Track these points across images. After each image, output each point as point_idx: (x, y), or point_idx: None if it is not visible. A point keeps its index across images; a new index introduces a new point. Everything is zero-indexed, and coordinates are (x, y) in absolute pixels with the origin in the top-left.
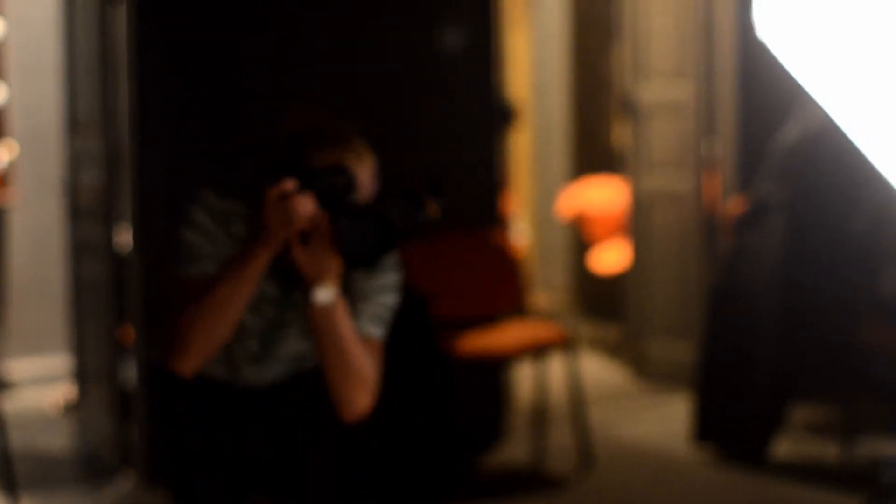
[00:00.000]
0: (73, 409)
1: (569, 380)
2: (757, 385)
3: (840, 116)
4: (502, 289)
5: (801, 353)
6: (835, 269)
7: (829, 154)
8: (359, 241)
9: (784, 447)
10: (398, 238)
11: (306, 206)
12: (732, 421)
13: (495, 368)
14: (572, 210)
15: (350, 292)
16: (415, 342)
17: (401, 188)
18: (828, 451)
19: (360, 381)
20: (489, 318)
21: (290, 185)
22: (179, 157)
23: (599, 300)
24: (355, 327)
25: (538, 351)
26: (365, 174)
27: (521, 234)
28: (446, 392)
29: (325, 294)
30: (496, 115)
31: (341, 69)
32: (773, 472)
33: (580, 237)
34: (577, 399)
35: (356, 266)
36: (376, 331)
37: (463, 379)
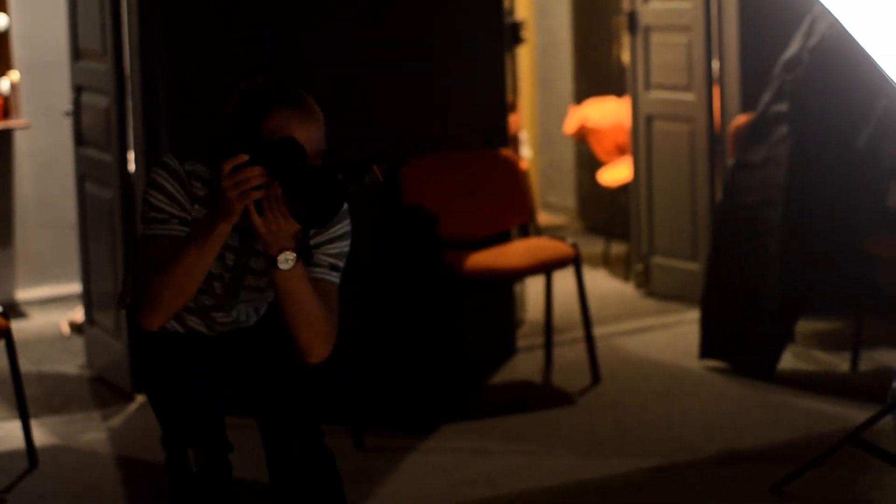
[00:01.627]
0: (83, 332)
1: (577, 297)
2: (764, 300)
3: (851, 23)
4: (512, 205)
5: (808, 267)
6: (838, 180)
7: (830, 66)
8: (310, 201)
9: (794, 360)
10: (346, 196)
11: (259, 176)
12: (740, 337)
13: (505, 287)
14: (578, 128)
15: (308, 241)
16: (423, 261)
17: (347, 159)
18: (838, 363)
19: (319, 332)
20: (499, 237)
21: (243, 157)
22: (182, 81)
23: (605, 219)
24: (314, 274)
25: (547, 268)
26: (315, 132)
27: (525, 153)
28: (454, 310)
29: (285, 261)
30: (505, 35)
31: None
32: (783, 384)
33: (584, 156)
34: (586, 316)
35: (310, 225)
36: (333, 277)
37: (473, 298)
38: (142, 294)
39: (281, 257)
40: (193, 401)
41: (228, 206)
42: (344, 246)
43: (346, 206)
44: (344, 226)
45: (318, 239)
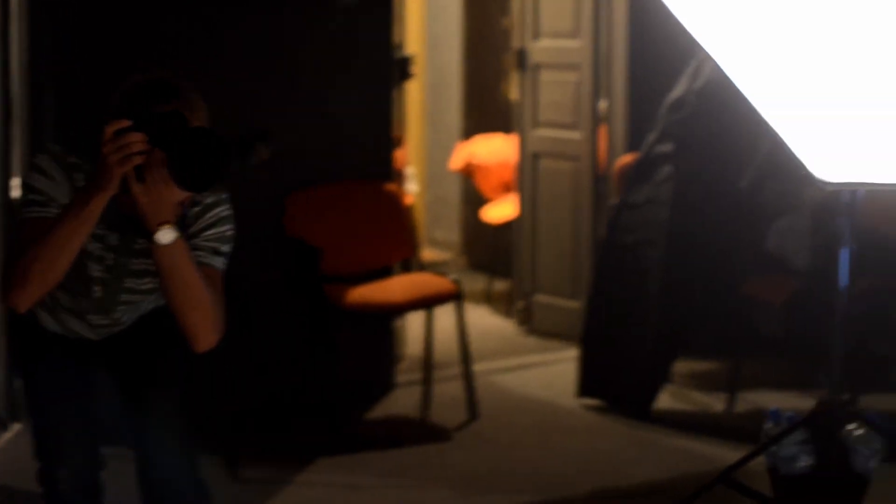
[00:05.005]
0: None
1: (457, 333)
2: (642, 340)
3: (732, 70)
4: (395, 240)
5: (687, 308)
6: (719, 222)
7: (715, 109)
8: (191, 162)
9: (670, 400)
10: (229, 158)
11: (140, 141)
12: (618, 376)
13: (386, 321)
14: (464, 164)
15: (187, 229)
16: (303, 293)
17: (230, 137)
18: (712, 403)
19: (205, 314)
20: (381, 271)
21: (125, 122)
22: (69, 107)
23: (489, 256)
24: (196, 259)
25: (428, 304)
26: (198, 125)
27: (411, 188)
28: (333, 343)
29: (165, 235)
30: (393, 69)
31: (236, 21)
32: (659, 423)
33: (471, 192)
34: (465, 352)
35: (193, 188)
36: (216, 262)
37: (353, 332)
38: (13, 270)
39: (160, 231)
40: (69, 400)
41: (108, 172)
42: (225, 230)
43: (224, 194)
44: (222, 210)
45: (196, 227)
